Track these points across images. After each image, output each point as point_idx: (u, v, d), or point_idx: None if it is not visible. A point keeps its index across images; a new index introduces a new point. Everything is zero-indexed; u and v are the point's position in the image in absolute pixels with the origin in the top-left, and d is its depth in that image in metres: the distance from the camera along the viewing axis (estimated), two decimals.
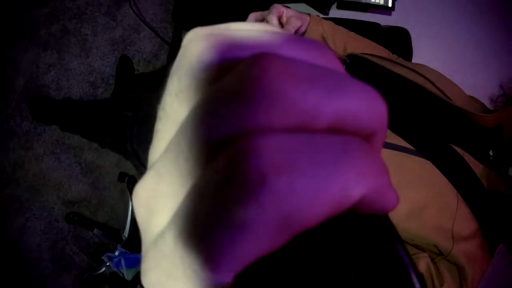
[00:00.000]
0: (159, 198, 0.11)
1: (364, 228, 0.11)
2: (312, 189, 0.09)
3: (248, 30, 0.12)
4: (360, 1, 1.04)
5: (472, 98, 0.68)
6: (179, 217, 0.10)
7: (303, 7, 1.14)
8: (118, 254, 1.33)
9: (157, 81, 1.41)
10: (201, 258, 0.09)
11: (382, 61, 0.71)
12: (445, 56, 1.07)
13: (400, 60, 0.77)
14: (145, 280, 0.11)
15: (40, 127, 1.46)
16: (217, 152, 0.10)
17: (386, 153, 0.57)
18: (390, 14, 1.11)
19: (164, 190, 0.11)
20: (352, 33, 0.80)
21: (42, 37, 1.47)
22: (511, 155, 0.59)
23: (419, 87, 0.64)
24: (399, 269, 0.10)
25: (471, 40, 1.07)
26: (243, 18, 0.75)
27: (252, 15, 0.74)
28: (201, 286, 0.09)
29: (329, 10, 1.13)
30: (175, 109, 0.11)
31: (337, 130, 0.10)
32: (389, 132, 0.59)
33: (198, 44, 0.11)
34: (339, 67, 0.12)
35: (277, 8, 0.72)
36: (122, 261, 1.25)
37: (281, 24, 0.73)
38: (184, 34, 0.12)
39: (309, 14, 0.77)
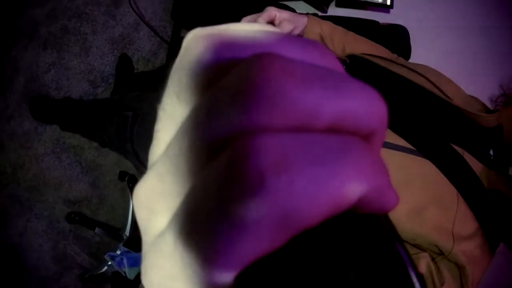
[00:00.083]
0: (159, 198, 0.11)
1: (364, 228, 0.11)
2: (311, 189, 0.09)
3: (247, 30, 0.12)
4: None
5: (472, 97, 0.68)
6: (179, 217, 0.10)
7: (302, 5, 1.15)
8: (120, 253, 1.33)
9: (157, 80, 1.41)
10: (201, 258, 0.09)
11: (382, 61, 0.71)
12: (444, 54, 1.07)
13: (400, 60, 0.77)
14: (145, 279, 0.11)
15: (40, 127, 1.46)
16: (217, 152, 0.10)
17: (386, 153, 0.57)
18: (388, 12, 1.11)
19: (164, 190, 0.11)
20: (351, 33, 0.80)
21: (42, 36, 1.46)
22: (511, 155, 0.59)
23: (419, 87, 0.64)
24: (399, 269, 0.10)
25: (471, 38, 1.07)
26: (241, 16, 0.75)
27: (245, 19, 0.74)
28: (201, 286, 0.09)
29: (327, 8, 1.13)
30: (175, 109, 0.11)
31: (337, 130, 0.10)
32: (389, 132, 0.59)
33: (198, 45, 0.11)
34: (339, 67, 0.12)
35: (269, 11, 0.72)
36: (125, 260, 1.25)
37: None
38: (183, 32, 0.12)
39: (307, 15, 0.77)
